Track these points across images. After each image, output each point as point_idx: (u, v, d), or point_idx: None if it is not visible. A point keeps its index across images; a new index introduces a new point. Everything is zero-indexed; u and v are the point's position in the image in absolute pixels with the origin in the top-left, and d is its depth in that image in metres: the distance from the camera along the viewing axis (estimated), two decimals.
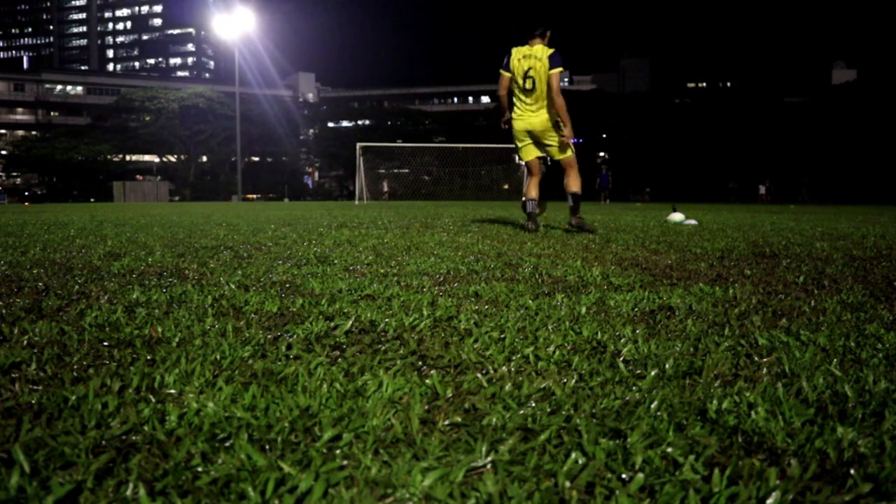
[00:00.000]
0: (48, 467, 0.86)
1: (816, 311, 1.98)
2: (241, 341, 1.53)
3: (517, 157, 6.11)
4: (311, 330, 1.66)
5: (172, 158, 65.66)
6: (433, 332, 1.67)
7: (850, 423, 1.03)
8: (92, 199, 54.77)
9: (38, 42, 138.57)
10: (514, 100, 5.75)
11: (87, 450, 0.90)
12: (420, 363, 1.38)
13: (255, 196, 64.28)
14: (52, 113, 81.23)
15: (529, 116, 5.73)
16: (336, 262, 3.23)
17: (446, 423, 1.03)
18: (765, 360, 1.40)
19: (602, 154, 62.88)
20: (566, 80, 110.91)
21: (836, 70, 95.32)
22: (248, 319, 1.80)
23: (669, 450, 0.91)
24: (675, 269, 3.03)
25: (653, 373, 1.29)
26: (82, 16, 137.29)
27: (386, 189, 38.91)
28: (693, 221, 7.54)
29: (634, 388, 1.19)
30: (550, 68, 5.54)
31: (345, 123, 76.69)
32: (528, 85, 5.63)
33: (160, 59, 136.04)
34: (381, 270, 2.89)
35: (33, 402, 1.10)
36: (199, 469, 0.85)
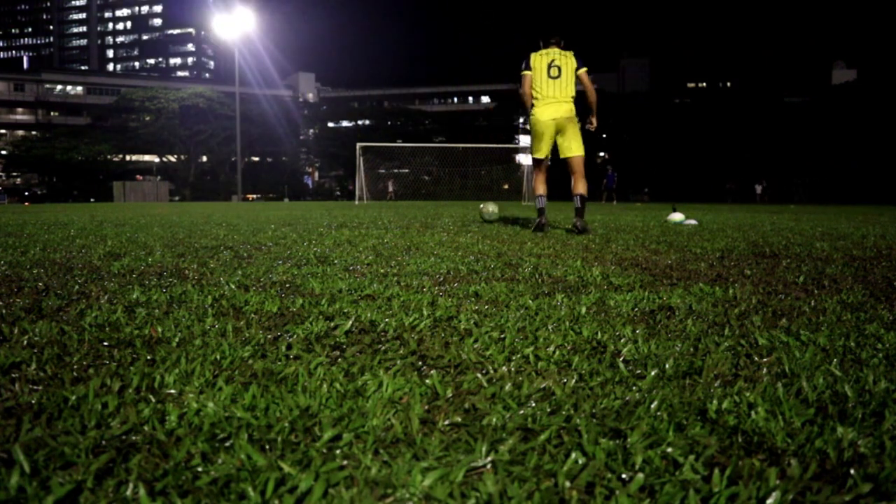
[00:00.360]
0: (48, 467, 0.86)
1: (816, 311, 1.98)
2: (241, 341, 1.53)
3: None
4: (311, 330, 1.66)
5: (172, 158, 65.67)
6: (433, 332, 1.67)
7: (850, 423, 1.03)
8: (92, 199, 54.79)
9: (38, 42, 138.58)
10: (538, 95, 5.88)
11: (87, 450, 0.90)
12: (420, 363, 1.38)
13: (255, 196, 64.29)
14: (52, 113, 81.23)
15: (556, 104, 5.84)
16: (336, 262, 3.23)
17: (446, 423, 1.03)
18: (765, 360, 1.40)
19: (602, 154, 62.88)
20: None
21: (836, 70, 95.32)
22: (248, 319, 1.80)
23: (669, 450, 0.91)
24: (675, 269, 3.03)
25: (653, 373, 1.29)
26: (82, 16, 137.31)
27: (391, 189, 38.97)
28: (693, 221, 7.54)
29: (634, 388, 1.19)
30: (578, 68, 5.90)
31: (345, 123, 76.70)
32: (554, 73, 5.81)
33: (160, 59, 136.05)
34: (381, 270, 2.89)
35: (33, 402, 1.10)
36: (199, 469, 0.85)
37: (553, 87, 5.83)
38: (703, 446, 0.93)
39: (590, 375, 1.28)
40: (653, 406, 1.08)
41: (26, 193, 65.07)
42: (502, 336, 1.60)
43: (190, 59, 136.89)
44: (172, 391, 1.16)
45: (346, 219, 8.66)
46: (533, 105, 5.93)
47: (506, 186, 39.85)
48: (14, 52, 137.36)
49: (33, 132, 74.72)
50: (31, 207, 23.14)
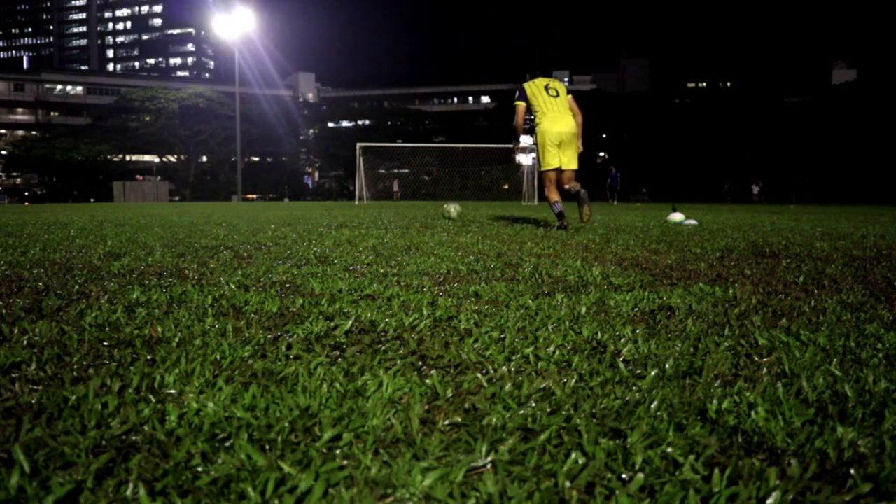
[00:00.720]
0: (48, 467, 0.86)
1: (816, 311, 1.98)
2: (241, 341, 1.53)
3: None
4: (311, 330, 1.66)
5: (172, 158, 65.67)
6: (433, 332, 1.67)
7: (850, 423, 1.03)
8: (92, 199, 54.78)
9: (38, 42, 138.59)
10: (541, 114, 6.33)
11: (87, 450, 0.90)
12: (420, 363, 1.38)
13: (255, 196, 64.28)
14: (52, 113, 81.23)
15: (563, 119, 6.29)
16: (336, 262, 3.23)
17: (446, 423, 1.03)
18: (765, 360, 1.40)
19: (602, 154, 62.87)
20: (566, 80, 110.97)
21: (836, 70, 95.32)
22: (248, 319, 1.80)
23: (669, 450, 0.91)
24: (675, 269, 3.03)
25: (653, 373, 1.29)
26: (82, 16, 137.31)
27: (396, 189, 38.98)
28: (693, 221, 7.54)
29: (634, 388, 1.19)
30: (567, 93, 6.51)
31: (345, 123, 76.69)
32: (553, 93, 6.35)
33: (160, 59, 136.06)
34: (381, 270, 2.89)
35: (33, 402, 1.10)
36: (199, 469, 0.85)
37: (555, 104, 6.30)
38: (703, 446, 0.93)
39: (590, 375, 1.28)
40: (653, 406, 1.08)
41: (26, 193, 65.07)
42: (502, 336, 1.60)
43: (190, 59, 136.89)
44: (172, 391, 1.16)
45: (346, 219, 8.66)
46: (538, 123, 6.34)
47: (506, 186, 39.84)
48: (14, 52, 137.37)
49: (33, 132, 74.71)
50: (31, 207, 23.15)
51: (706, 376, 1.27)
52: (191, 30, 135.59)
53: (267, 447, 0.92)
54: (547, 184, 6.44)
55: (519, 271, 2.89)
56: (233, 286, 2.38)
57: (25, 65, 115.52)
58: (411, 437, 0.97)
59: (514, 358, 1.40)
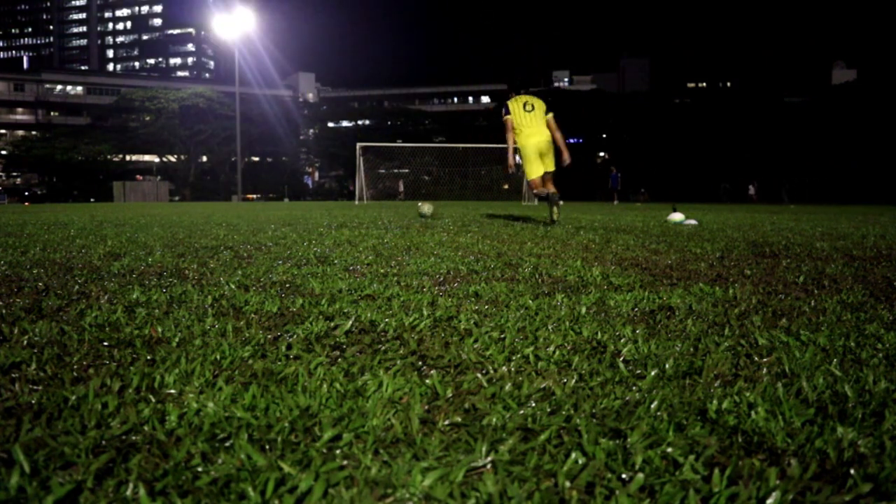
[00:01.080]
0: (48, 467, 0.86)
1: (816, 311, 1.98)
2: (241, 341, 1.53)
3: (513, 170, 7.45)
4: (311, 330, 1.66)
5: (172, 158, 65.66)
6: (433, 332, 1.67)
7: (850, 423, 1.03)
8: (92, 199, 54.78)
9: (38, 42, 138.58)
10: (518, 131, 7.15)
11: (87, 450, 0.90)
12: (420, 363, 1.38)
13: (255, 196, 64.28)
14: (52, 113, 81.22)
15: (538, 134, 7.07)
16: (336, 262, 3.23)
17: (446, 423, 1.03)
18: (765, 360, 1.40)
19: (602, 154, 62.89)
20: (566, 80, 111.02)
21: (836, 70, 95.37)
22: (248, 319, 1.80)
23: (669, 450, 0.91)
24: (675, 269, 3.03)
25: (653, 373, 1.29)
26: (82, 16, 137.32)
27: (401, 189, 39.00)
28: (693, 221, 7.54)
29: (634, 388, 1.19)
30: (546, 113, 7.19)
31: (345, 123, 76.68)
32: (529, 108, 7.17)
33: (160, 59, 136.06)
34: (381, 270, 2.89)
35: (33, 402, 1.10)
36: (199, 469, 0.85)
37: (530, 119, 7.12)
38: (703, 446, 0.93)
39: (590, 375, 1.28)
40: (653, 406, 1.08)
41: (26, 193, 65.08)
42: (502, 336, 1.60)
43: (190, 59, 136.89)
44: (172, 391, 1.16)
45: (346, 219, 8.66)
46: (518, 140, 7.19)
47: (506, 186, 39.82)
48: (14, 52, 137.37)
49: (33, 132, 74.67)
50: (31, 207, 23.15)
51: (706, 376, 1.27)
52: (191, 30, 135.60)
53: (267, 447, 0.92)
54: (533, 186, 7.42)
55: (519, 271, 2.89)
56: (233, 286, 2.38)
57: (25, 65, 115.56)
58: (411, 437, 0.97)
59: (514, 358, 1.40)
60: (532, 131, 7.04)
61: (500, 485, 0.81)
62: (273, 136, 64.97)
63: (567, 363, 1.37)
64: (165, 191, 55.15)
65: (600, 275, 2.74)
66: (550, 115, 7.16)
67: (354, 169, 30.90)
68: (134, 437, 0.96)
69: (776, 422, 1.02)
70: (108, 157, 62.37)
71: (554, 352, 1.44)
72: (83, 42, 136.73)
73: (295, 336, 1.60)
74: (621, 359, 1.40)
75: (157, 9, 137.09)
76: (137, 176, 65.93)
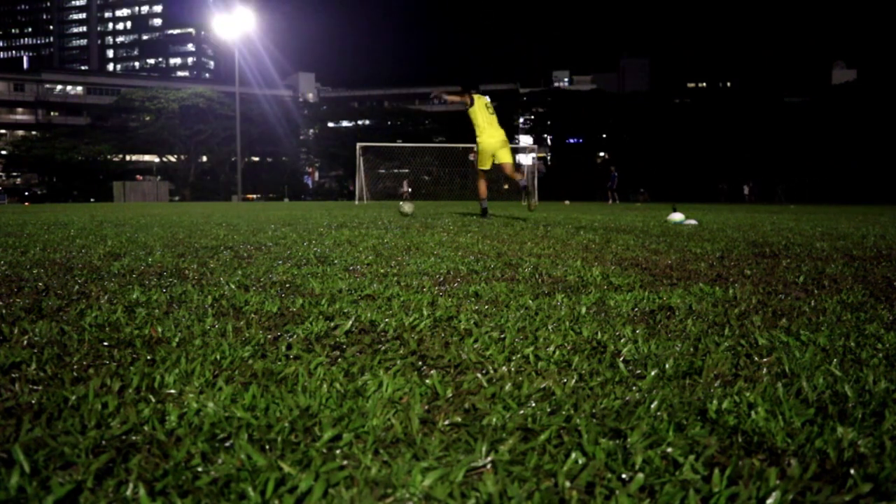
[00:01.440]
0: (48, 467, 0.86)
1: (816, 311, 1.98)
2: (241, 341, 1.53)
3: (472, 158, 8.40)
4: (311, 330, 1.66)
5: (172, 158, 65.68)
6: (433, 332, 1.67)
7: (850, 423, 1.03)
8: (92, 199, 54.79)
9: (38, 42, 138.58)
10: (481, 129, 8.38)
11: (87, 450, 0.90)
12: (420, 363, 1.38)
13: (255, 196, 64.30)
14: (52, 113, 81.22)
15: (497, 134, 8.43)
16: (336, 262, 3.23)
17: (446, 423, 1.03)
18: (765, 360, 1.40)
19: (602, 154, 62.87)
20: (566, 80, 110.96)
21: (836, 70, 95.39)
22: (248, 319, 1.80)
23: (669, 450, 0.91)
24: (675, 269, 3.03)
25: (653, 373, 1.29)
26: (82, 16, 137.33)
27: (406, 189, 39.00)
28: (693, 221, 7.54)
29: (634, 388, 1.19)
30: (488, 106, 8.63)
31: (345, 123, 76.67)
32: (490, 111, 8.47)
33: (160, 59, 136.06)
34: (381, 270, 2.89)
35: (33, 402, 1.10)
36: (199, 469, 0.85)
37: (492, 121, 8.44)
38: (703, 446, 0.93)
39: (590, 375, 1.28)
40: (653, 406, 1.08)
41: (26, 193, 65.08)
42: (502, 336, 1.60)
43: (190, 59, 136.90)
44: (172, 391, 1.16)
45: (346, 219, 8.66)
46: (479, 136, 8.43)
47: (506, 187, 39.77)
48: (14, 52, 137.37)
49: (33, 132, 74.65)
50: (31, 207, 23.15)
51: (706, 376, 1.27)
52: (191, 30, 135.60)
53: (267, 447, 0.92)
54: (480, 180, 8.82)
55: (519, 271, 2.89)
56: (233, 286, 2.38)
57: (25, 65, 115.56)
58: (411, 437, 0.97)
59: (514, 358, 1.40)
60: (493, 132, 8.37)
61: (500, 485, 0.81)
62: (273, 136, 64.99)
63: (567, 363, 1.37)
64: (165, 191, 55.17)
65: (600, 275, 2.74)
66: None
67: (354, 169, 30.90)
68: (134, 437, 0.96)
69: (776, 422, 1.02)
70: (108, 157, 62.40)
71: (554, 352, 1.44)
72: (83, 42, 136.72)
73: (295, 336, 1.60)
74: (621, 359, 1.40)
75: (157, 9, 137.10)
76: (137, 176, 65.95)
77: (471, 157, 9.17)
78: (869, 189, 45.71)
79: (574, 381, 1.24)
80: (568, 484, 0.82)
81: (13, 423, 1.01)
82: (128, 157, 66.14)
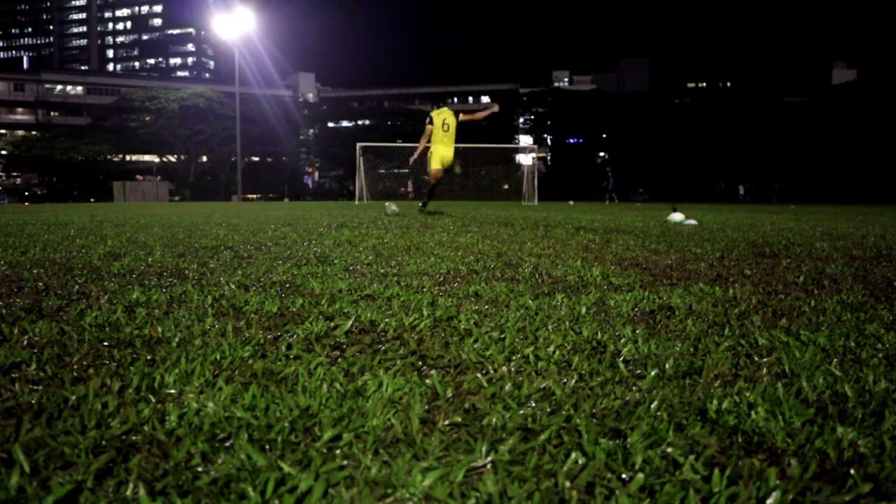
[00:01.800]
0: (48, 467, 0.86)
1: (816, 311, 1.98)
2: (241, 341, 1.53)
3: (413, 159, 10.30)
4: (311, 330, 1.66)
5: (172, 158, 65.68)
6: (433, 332, 1.67)
7: (850, 423, 1.03)
8: (92, 199, 54.79)
9: (38, 42, 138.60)
10: (436, 140, 9.88)
11: (87, 450, 0.90)
12: (420, 363, 1.38)
13: (255, 196, 64.32)
14: (52, 113, 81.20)
15: (449, 150, 9.91)
16: (336, 262, 3.23)
17: (446, 423, 1.03)
18: (765, 360, 1.40)
19: (602, 154, 62.89)
20: (566, 80, 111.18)
21: (836, 70, 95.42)
22: (248, 319, 1.80)
23: (669, 450, 0.91)
24: (675, 269, 3.03)
25: (653, 373, 1.29)
26: (82, 16, 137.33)
27: (410, 190, 38.98)
28: (693, 221, 7.54)
29: (634, 388, 1.19)
30: (456, 118, 10.04)
31: (345, 123, 76.66)
32: (446, 129, 9.93)
33: (160, 59, 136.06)
34: (381, 270, 2.89)
35: (33, 402, 1.10)
36: (199, 469, 0.85)
37: (447, 137, 9.90)
38: (703, 446, 0.93)
39: (590, 375, 1.28)
40: (653, 406, 1.08)
41: (26, 193, 65.08)
42: (502, 336, 1.60)
43: (190, 59, 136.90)
44: (172, 391, 1.16)
45: (346, 219, 8.66)
46: (433, 146, 9.85)
47: (506, 186, 39.82)
48: (14, 52, 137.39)
49: (33, 132, 74.62)
50: (31, 207, 23.14)
51: (706, 376, 1.27)
52: (191, 30, 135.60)
53: (267, 447, 0.92)
54: (431, 177, 10.07)
55: (519, 271, 2.89)
56: (233, 286, 2.38)
57: (25, 65, 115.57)
58: (411, 437, 0.97)
59: (514, 358, 1.40)
60: (445, 148, 9.90)
61: (500, 485, 0.81)
62: (273, 136, 64.99)
63: (567, 363, 1.37)
64: (165, 191, 55.18)
65: (600, 275, 2.74)
66: (461, 115, 10.08)
67: (354, 169, 30.89)
68: (134, 437, 0.96)
69: (776, 422, 1.02)
70: (108, 157, 62.39)
71: (554, 352, 1.44)
72: (83, 42, 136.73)
73: (295, 336, 1.60)
74: (621, 359, 1.40)
75: (157, 9, 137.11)
76: (137, 176, 65.96)
77: (410, 158, 10.69)
78: (869, 189, 45.72)
79: (574, 381, 1.24)
80: (568, 484, 0.82)
81: (13, 423, 1.01)
82: (128, 157, 66.13)
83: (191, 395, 1.13)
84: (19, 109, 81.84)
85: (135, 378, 1.22)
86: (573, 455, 0.89)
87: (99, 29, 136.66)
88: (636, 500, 0.79)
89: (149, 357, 1.39)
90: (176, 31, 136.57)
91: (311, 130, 72.12)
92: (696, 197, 46.81)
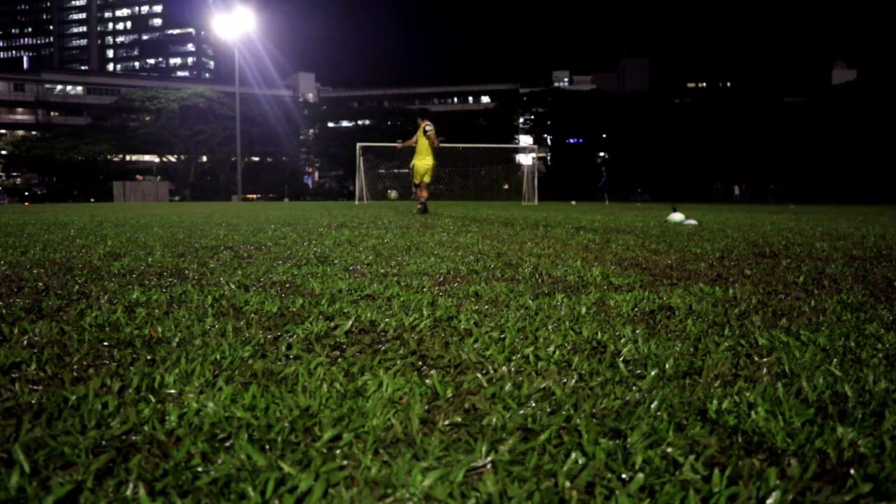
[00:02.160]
0: (48, 467, 0.86)
1: (816, 311, 1.98)
2: (241, 341, 1.53)
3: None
4: (311, 330, 1.65)
5: (172, 158, 65.69)
6: (433, 332, 1.67)
7: (850, 423, 1.03)
8: (92, 199, 54.80)
9: (38, 42, 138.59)
10: (419, 151, 11.04)
11: (87, 450, 0.90)
12: (420, 363, 1.38)
13: (255, 196, 64.33)
14: (52, 113, 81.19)
15: (427, 161, 11.02)
16: (336, 262, 3.23)
17: (446, 423, 1.03)
18: (765, 360, 1.40)
19: (602, 154, 62.88)
20: (566, 80, 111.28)
21: (836, 70, 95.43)
22: (248, 319, 1.80)
23: (669, 450, 0.91)
24: (675, 269, 3.03)
25: (653, 373, 1.29)
26: (82, 16, 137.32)
27: (395, 196, 38.96)
28: (693, 221, 7.54)
29: (634, 388, 1.19)
30: (427, 133, 10.95)
31: (345, 123, 76.69)
32: (423, 142, 11.01)
33: (160, 59, 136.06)
34: (381, 270, 2.89)
35: (33, 402, 1.10)
36: (199, 469, 0.85)
37: (426, 147, 10.93)
38: (703, 446, 0.93)
39: (590, 375, 1.28)
40: (653, 406, 1.08)
41: (26, 193, 65.09)
42: (502, 336, 1.60)
43: (190, 59, 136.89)
44: (172, 391, 1.16)
45: (346, 219, 8.66)
46: (415, 158, 11.09)
47: (506, 186, 39.84)
48: (14, 52, 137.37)
49: (33, 132, 74.61)
50: (31, 207, 23.14)
51: (706, 376, 1.27)
52: (191, 30, 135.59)
53: (267, 447, 0.92)
54: (418, 190, 11.08)
55: (519, 271, 2.89)
56: (233, 286, 2.38)
57: (25, 65, 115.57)
58: (411, 437, 0.97)
59: (514, 358, 1.40)
60: (424, 158, 10.99)
61: (500, 485, 0.81)
62: (273, 136, 65.00)
63: (567, 363, 1.37)
64: (165, 191, 55.18)
65: (600, 275, 2.74)
66: (430, 131, 11.00)
67: (354, 169, 30.87)
68: (134, 437, 0.96)
69: (776, 422, 1.02)
70: (108, 157, 62.39)
71: (554, 352, 1.44)
72: (83, 42, 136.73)
73: (295, 336, 1.60)
74: (621, 359, 1.40)
75: (157, 9, 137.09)
76: (137, 176, 65.99)
77: (398, 143, 11.71)
78: (869, 189, 45.73)
79: (574, 381, 1.24)
80: (568, 484, 0.82)
81: (13, 423, 1.01)
82: (128, 157, 66.14)
83: (191, 395, 1.13)
84: (19, 109, 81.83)
85: (135, 378, 1.22)
86: (573, 455, 0.89)
87: (99, 29, 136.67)
88: (636, 500, 0.79)
89: (149, 357, 1.39)
90: (176, 31, 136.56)
91: (311, 130, 72.13)
92: (695, 197, 46.85)
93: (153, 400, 1.11)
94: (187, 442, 0.93)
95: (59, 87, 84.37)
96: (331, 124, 75.47)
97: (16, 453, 0.87)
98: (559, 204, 24.78)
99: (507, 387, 1.19)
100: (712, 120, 57.77)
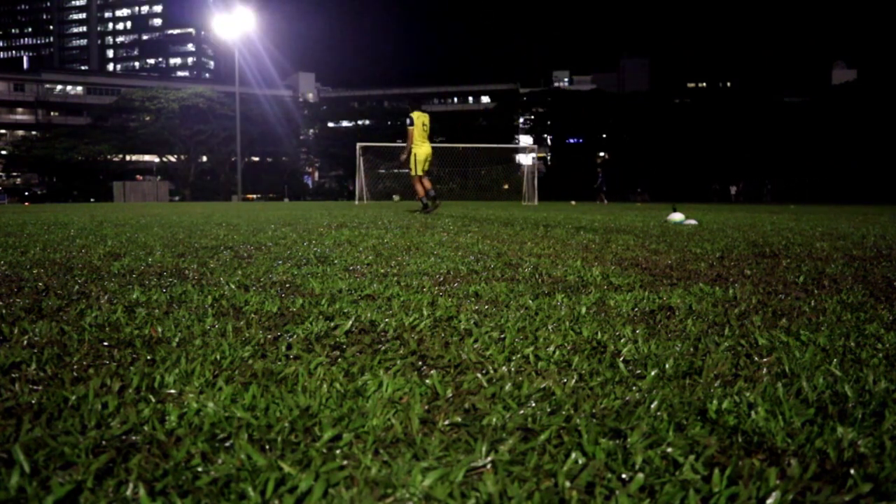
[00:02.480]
0: (48, 467, 0.86)
1: (816, 311, 1.98)
2: (241, 341, 1.53)
3: (404, 157, 10.95)
4: (311, 330, 1.66)
5: (172, 158, 65.70)
6: (433, 332, 1.67)
7: (850, 423, 1.03)
8: (92, 199, 54.81)
9: (38, 42, 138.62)
10: (418, 143, 10.86)
11: (87, 450, 0.90)
12: (420, 363, 1.38)
13: (255, 196, 64.34)
14: (52, 113, 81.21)
15: (428, 147, 10.97)
16: (336, 262, 3.23)
17: (446, 423, 1.03)
18: (765, 360, 1.40)
19: (602, 154, 62.89)
20: (566, 80, 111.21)
21: (836, 70, 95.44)
22: (248, 319, 1.80)
23: (669, 450, 0.91)
24: (675, 269, 3.03)
25: (653, 373, 1.29)
26: (82, 16, 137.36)
27: (398, 199, 39.00)
28: (693, 221, 7.54)
29: (634, 388, 1.19)
30: (430, 124, 11.07)
31: (345, 123, 76.73)
32: (425, 129, 10.95)
33: (160, 59, 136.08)
34: (381, 270, 2.89)
35: (33, 402, 1.10)
36: (199, 469, 0.85)
37: (426, 136, 10.95)
38: (703, 446, 0.93)
39: (590, 375, 1.28)
40: (653, 406, 1.08)
41: (26, 193, 65.11)
42: (502, 336, 1.60)
43: (190, 59, 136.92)
44: (172, 391, 1.16)
45: (346, 219, 8.66)
46: (415, 147, 10.82)
47: (506, 186, 39.88)
48: (14, 52, 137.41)
49: (33, 132, 74.63)
50: (31, 207, 23.14)
51: (706, 376, 1.27)
52: (191, 30, 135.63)
53: (267, 447, 0.92)
54: (416, 183, 10.91)
55: (519, 271, 2.89)
56: (233, 286, 2.38)
57: (25, 65, 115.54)
58: (411, 437, 0.97)
59: (514, 358, 1.40)
60: (426, 146, 10.95)
61: (500, 485, 0.81)
62: (273, 136, 65.03)
63: (567, 363, 1.37)
64: (165, 191, 55.20)
65: (600, 275, 2.74)
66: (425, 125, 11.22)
67: (354, 169, 30.86)
68: (134, 437, 0.96)
69: (776, 422, 1.02)
70: (108, 157, 62.44)
71: (554, 352, 1.44)
72: (83, 42, 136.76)
73: (295, 336, 1.60)
74: (621, 359, 1.40)
75: (157, 9, 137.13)
76: (137, 176, 66.03)
77: (402, 156, 11.37)
78: (869, 189, 45.74)
79: (574, 381, 1.24)
80: (568, 484, 0.82)
81: (13, 423, 1.01)
82: (128, 157, 66.18)
83: (191, 395, 1.13)
84: (19, 109, 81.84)
85: (135, 378, 1.22)
86: (573, 455, 0.89)
87: (99, 29, 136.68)
88: (636, 500, 0.79)
89: (149, 357, 1.39)
90: (176, 31, 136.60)
91: (311, 130, 72.17)
92: (695, 197, 46.89)
93: (153, 400, 1.11)
94: (187, 442, 0.93)
95: (59, 87, 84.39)
96: (331, 124, 75.52)
97: (16, 453, 0.87)
98: (559, 204, 24.79)
99: (507, 387, 1.19)
100: (712, 120, 57.77)
